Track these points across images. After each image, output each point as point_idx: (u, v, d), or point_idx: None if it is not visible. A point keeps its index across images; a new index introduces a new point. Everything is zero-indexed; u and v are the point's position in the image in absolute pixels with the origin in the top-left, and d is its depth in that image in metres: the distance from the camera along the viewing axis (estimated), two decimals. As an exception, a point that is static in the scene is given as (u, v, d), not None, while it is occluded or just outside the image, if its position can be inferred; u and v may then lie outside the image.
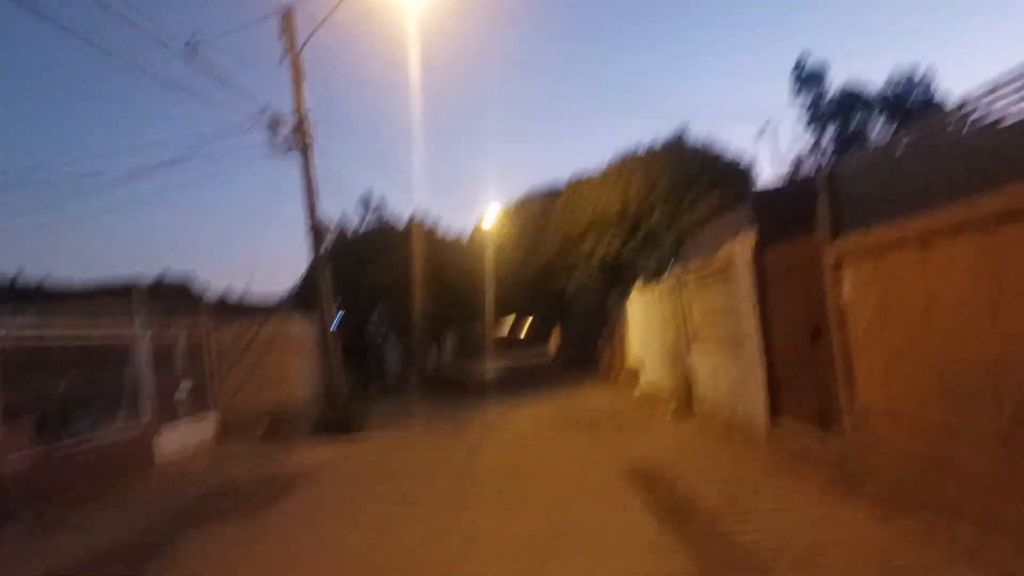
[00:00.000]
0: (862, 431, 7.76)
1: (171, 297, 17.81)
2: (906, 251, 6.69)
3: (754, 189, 10.94)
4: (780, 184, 11.74)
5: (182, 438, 15.45)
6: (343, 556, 6.92)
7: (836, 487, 7.59)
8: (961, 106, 6.18)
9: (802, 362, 9.57)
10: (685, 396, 15.28)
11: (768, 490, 7.85)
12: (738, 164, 22.23)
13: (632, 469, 9.84)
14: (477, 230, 34.42)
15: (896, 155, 7.07)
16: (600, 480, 9.34)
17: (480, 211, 36.88)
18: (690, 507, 7.53)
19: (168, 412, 15.16)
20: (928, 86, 39.28)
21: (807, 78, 43.39)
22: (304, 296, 29.89)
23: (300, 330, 23.32)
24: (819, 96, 41.23)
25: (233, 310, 27.36)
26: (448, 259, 30.57)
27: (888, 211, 7.07)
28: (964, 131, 6.18)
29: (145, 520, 9.23)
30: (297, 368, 21.88)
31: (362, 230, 29.90)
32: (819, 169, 8.33)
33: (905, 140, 6.98)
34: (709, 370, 13.86)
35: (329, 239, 29.83)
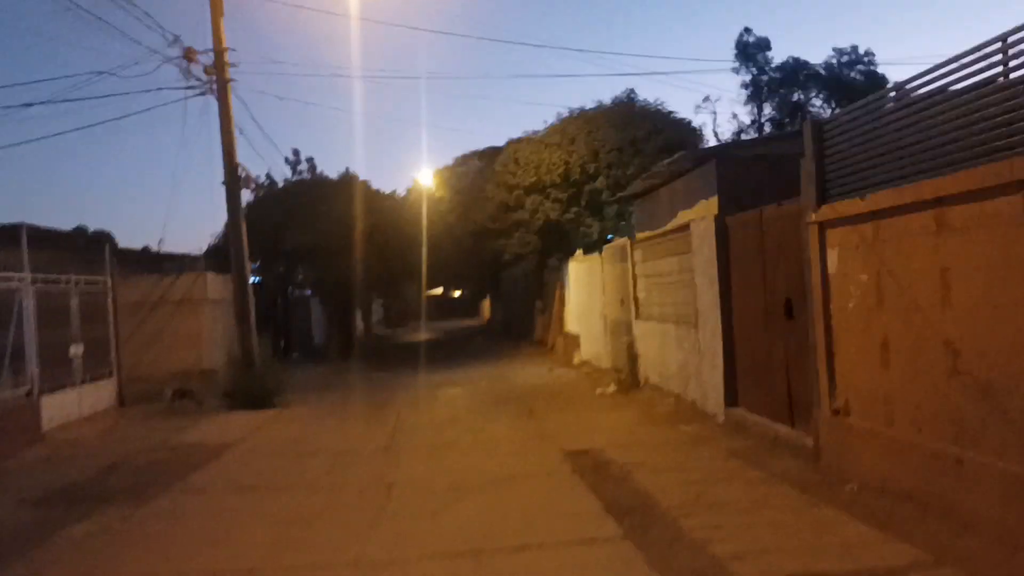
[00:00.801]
0: (841, 426, 6.82)
1: (68, 245, 15.99)
2: (916, 218, 5.70)
3: (718, 153, 9.85)
4: (746, 150, 10.74)
5: (75, 406, 13.87)
6: (232, 562, 5.69)
7: (810, 490, 6.64)
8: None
9: (770, 342, 8.62)
10: (629, 371, 14.33)
11: (736, 488, 6.87)
12: (691, 129, 21.27)
13: (576, 452, 8.80)
14: (412, 192, 32.85)
15: (900, 108, 6.06)
16: (543, 466, 8.26)
17: (416, 174, 35.34)
18: (650, 504, 6.51)
19: (60, 376, 13.56)
20: (869, 63, 39.07)
21: (749, 52, 42.80)
22: (223, 252, 28.11)
23: (216, 288, 21.69)
24: (760, 71, 40.76)
25: (144, 264, 25.51)
26: (381, 219, 29.00)
27: (889, 172, 6.08)
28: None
29: (11, 503, 7.82)
30: (211, 330, 20.28)
31: (290, 185, 28.12)
32: (808, 122, 7.28)
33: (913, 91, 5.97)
34: (656, 345, 12.91)
35: (251, 193, 28.11)
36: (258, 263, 28.45)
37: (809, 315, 7.37)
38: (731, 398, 9.75)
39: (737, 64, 39.59)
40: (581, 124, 21.51)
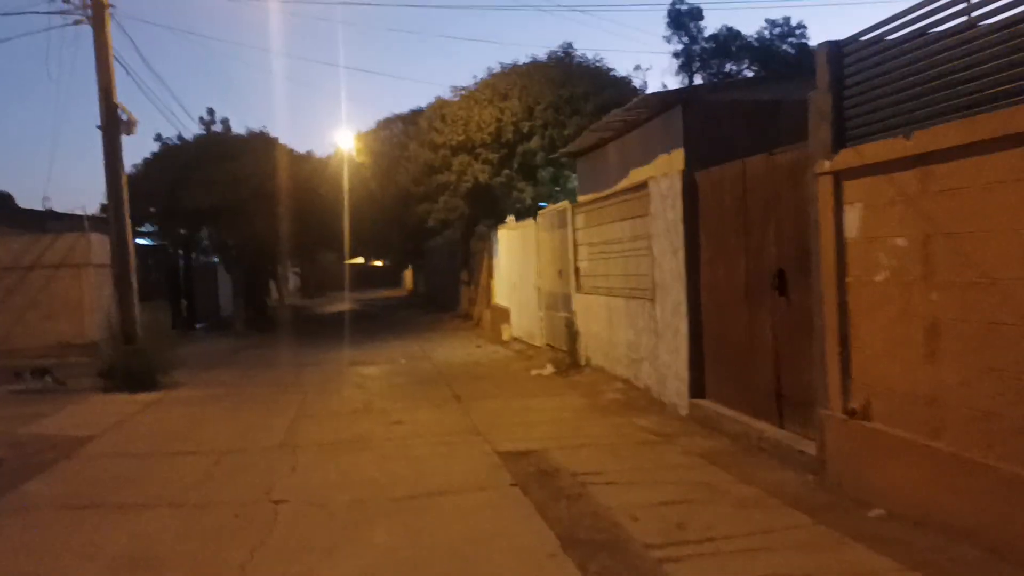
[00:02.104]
0: (859, 432, 5.35)
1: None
2: (999, 160, 4.19)
3: (685, 98, 8.25)
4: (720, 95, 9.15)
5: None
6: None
7: (823, 517, 5.15)
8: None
9: (752, 323, 7.11)
10: (568, 350, 12.78)
11: (727, 512, 5.33)
12: (633, 89, 19.69)
13: (515, 453, 7.17)
14: (333, 158, 30.44)
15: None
16: (474, 475, 6.61)
17: (337, 137, 32.83)
18: (620, 538, 4.92)
19: None
20: (801, 36, 38.22)
21: (681, 21, 41.46)
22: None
23: (104, 252, 19.28)
24: (692, 40, 39.55)
25: (22, 224, 22.77)
26: (298, 182, 26.67)
27: (949, 101, 4.56)
28: None
29: None
30: (96, 298, 17.96)
31: (193, 141, 25.55)
32: (823, 45, 5.70)
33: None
34: (601, 322, 11.36)
35: (158, 145, 25.44)
36: (157, 226, 25.95)
37: (814, 291, 5.86)
38: (697, 387, 8.26)
39: (669, 33, 38.41)
40: (515, 79, 19.71)
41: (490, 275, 20.90)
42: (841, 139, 5.54)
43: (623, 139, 10.56)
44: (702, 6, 38.50)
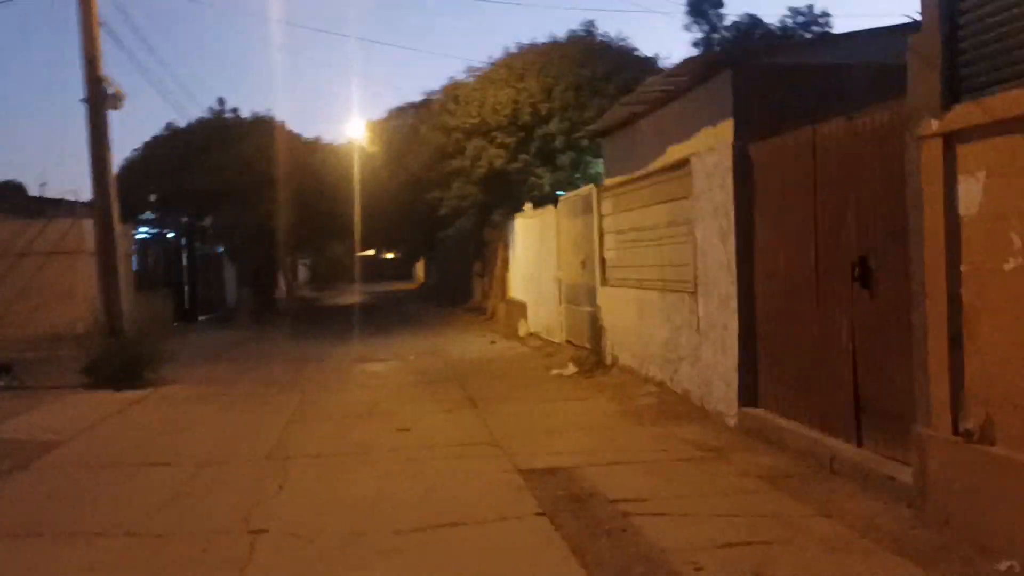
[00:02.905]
0: (975, 459, 4.25)
1: None
2: None
3: (735, 60, 7.13)
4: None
5: None
6: None
7: (938, 569, 4.07)
8: None
9: (823, 320, 6.00)
10: (592, 347, 11.69)
11: (817, 559, 4.25)
12: (657, 67, 18.52)
13: (540, 472, 6.10)
14: (344, 144, 29.35)
15: None
16: (493, 500, 5.53)
17: (349, 125, 31.69)
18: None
19: None
20: (825, 24, 36.90)
21: (701, 9, 40.15)
22: (119, 193, 24.41)
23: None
24: (713, 29, 38.28)
25: (20, 210, 21.83)
26: (306, 169, 25.70)
27: None
28: None
29: None
30: (89, 287, 16.94)
31: (196, 124, 24.55)
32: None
33: None
34: (631, 317, 10.27)
35: (166, 131, 24.40)
36: (159, 212, 24.99)
37: (912, 281, 4.75)
38: (748, 394, 7.15)
39: (689, 21, 37.20)
40: (532, 59, 18.63)
41: (505, 266, 19.83)
42: (954, 92, 4.42)
43: (659, 113, 9.45)
44: (724, -2, 37.34)
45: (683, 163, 8.39)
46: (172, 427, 8.75)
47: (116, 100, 11.72)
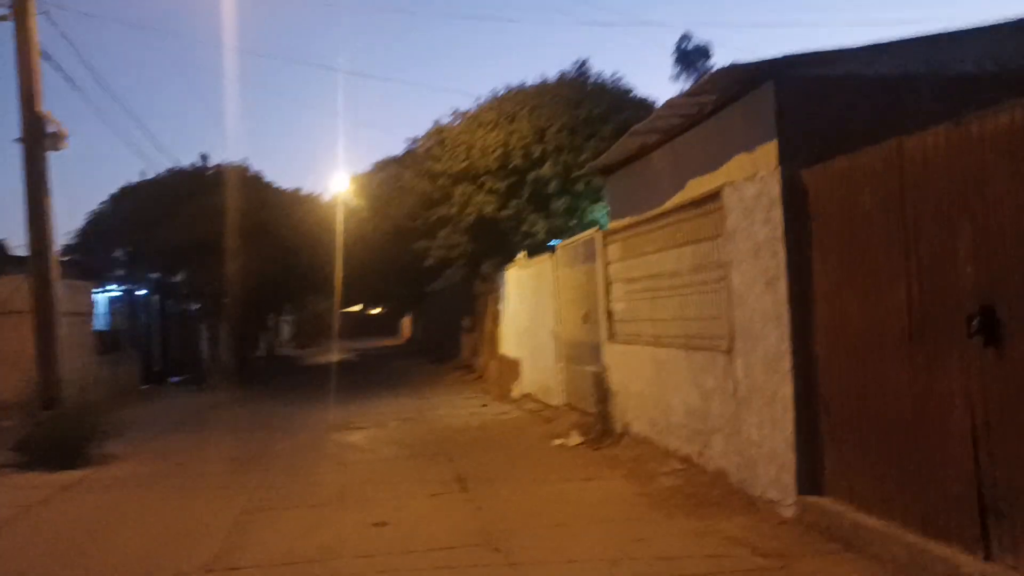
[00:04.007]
0: None
1: None
2: None
3: (777, 70, 5.81)
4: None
5: None
6: None
7: None
8: None
9: (926, 386, 4.60)
10: (598, 412, 10.22)
11: None
12: (655, 107, 17.36)
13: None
14: (327, 197, 28.03)
15: None
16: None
17: (331, 180, 30.38)
18: None
19: None
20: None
21: (689, 60, 39.55)
22: (86, 250, 23.02)
23: (63, 295, 16.97)
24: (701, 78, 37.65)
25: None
26: (287, 223, 24.38)
27: None
28: None
29: None
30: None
31: (165, 176, 23.22)
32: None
33: None
34: (646, 378, 8.84)
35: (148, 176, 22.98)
36: (126, 269, 23.50)
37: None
38: (809, 478, 5.71)
39: (677, 71, 36.62)
40: (523, 100, 17.41)
41: (496, 321, 18.40)
42: None
43: (676, 142, 8.16)
44: (709, 43, 36.64)
45: (711, 197, 7.07)
46: (98, 524, 7.20)
47: (56, 140, 10.37)
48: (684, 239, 7.76)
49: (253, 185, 24.07)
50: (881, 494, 5.01)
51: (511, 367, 16.14)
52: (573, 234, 13.39)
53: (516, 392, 15.02)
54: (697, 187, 7.57)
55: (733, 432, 6.73)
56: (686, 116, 7.64)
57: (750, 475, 6.44)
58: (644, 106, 17.76)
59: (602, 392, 10.19)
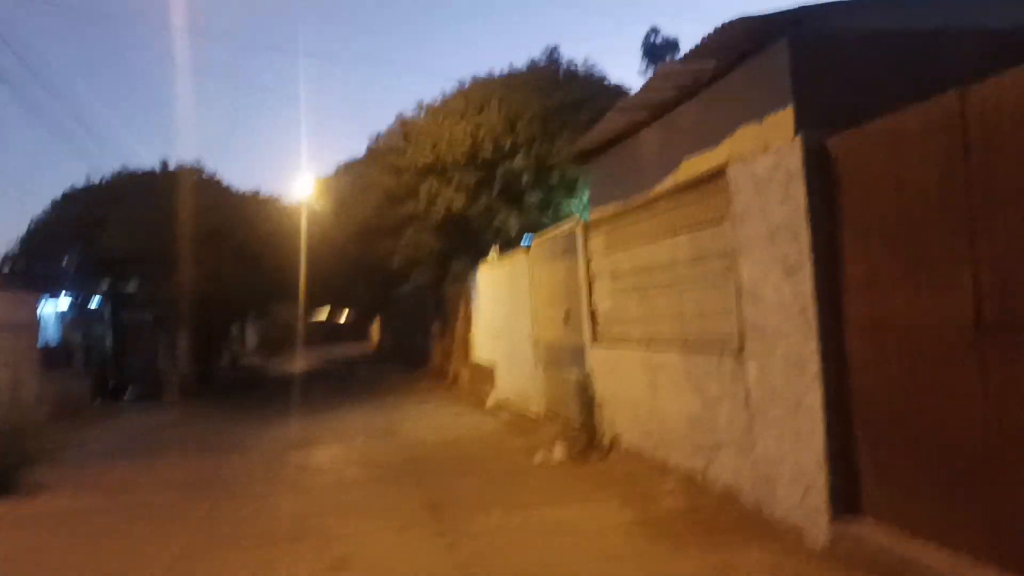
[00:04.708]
0: None
1: None
2: None
3: (791, 24, 4.89)
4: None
5: None
6: None
7: None
8: None
9: (994, 393, 3.72)
10: (583, 422, 9.29)
11: None
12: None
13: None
14: (291, 200, 26.81)
15: None
16: None
17: (296, 181, 28.99)
18: None
19: None
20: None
21: (657, 54, 38.98)
22: (27, 257, 21.68)
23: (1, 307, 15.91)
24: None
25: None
26: (246, 221, 23.16)
27: None
28: None
29: None
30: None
31: (112, 179, 21.96)
32: None
33: None
34: (638, 384, 7.92)
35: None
36: (74, 278, 22.20)
37: None
38: (845, 499, 4.82)
39: (645, 65, 35.99)
40: (492, 89, 16.50)
41: (468, 324, 17.44)
42: None
43: (669, 117, 7.27)
44: (678, 38, 35.90)
45: (712, 176, 6.16)
46: (7, 573, 6.15)
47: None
48: (680, 226, 6.86)
49: (209, 187, 22.87)
50: (942, 521, 4.13)
51: (485, 373, 15.19)
52: (546, 229, 12.48)
53: (491, 400, 14.06)
54: (695, 166, 6.68)
55: (745, 446, 5.83)
56: (681, 87, 6.75)
57: (768, 495, 5.54)
58: (620, 94, 16.89)
59: (587, 400, 9.27)
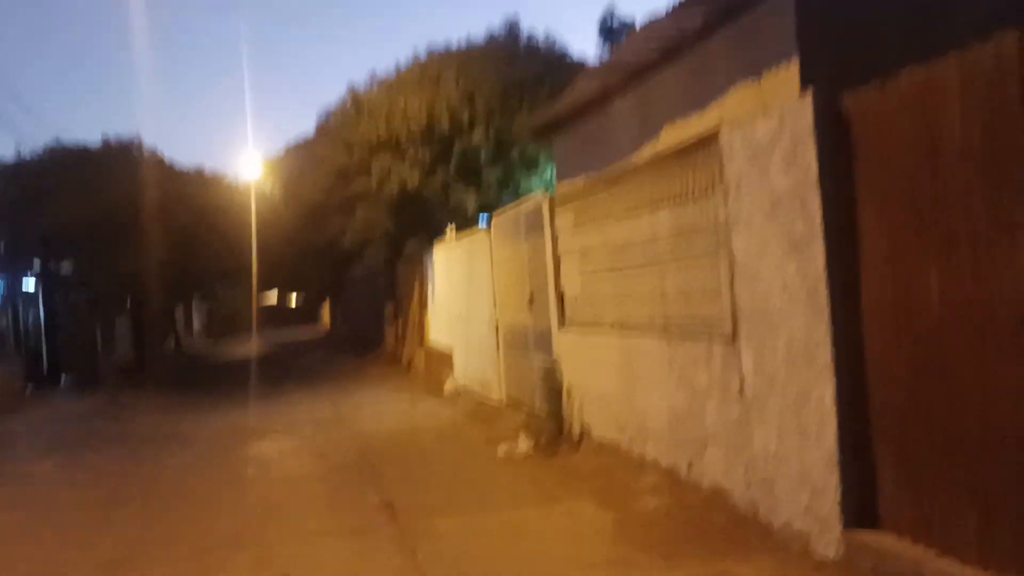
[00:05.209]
0: None
1: None
2: None
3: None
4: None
5: None
6: None
7: None
8: None
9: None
10: (550, 411, 8.68)
11: None
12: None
13: None
14: (238, 180, 25.64)
15: None
16: None
17: (243, 160, 27.74)
18: None
19: None
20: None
21: (613, 37, 38.51)
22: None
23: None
24: (624, 53, 36.47)
25: None
26: (188, 199, 22.06)
27: None
28: None
29: None
30: None
31: (45, 154, 20.71)
32: None
33: None
34: (611, 371, 7.33)
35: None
36: (3, 260, 20.95)
37: None
38: (858, 506, 4.27)
39: (601, 47, 35.50)
40: (449, 62, 15.74)
41: (423, 306, 16.72)
42: None
43: (647, 81, 6.63)
44: (634, 20, 35.42)
45: (700, 143, 5.54)
46: None
47: None
48: (660, 200, 6.23)
49: (149, 164, 21.72)
50: (980, 538, 3.58)
51: (442, 358, 14.50)
52: (502, 207, 11.78)
53: (449, 387, 13.38)
54: (678, 133, 6.07)
55: (738, 442, 5.26)
56: (664, 47, 6.11)
57: (766, 498, 4.98)
58: (582, 69, 16.24)
59: (554, 388, 8.65)
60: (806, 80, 4.56)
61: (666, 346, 6.24)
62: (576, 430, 8.17)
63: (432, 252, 15.15)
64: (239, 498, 7.37)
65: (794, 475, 4.66)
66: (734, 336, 5.24)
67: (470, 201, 14.66)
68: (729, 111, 5.32)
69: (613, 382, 7.29)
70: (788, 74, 4.70)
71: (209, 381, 21.36)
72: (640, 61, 6.48)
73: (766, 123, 4.73)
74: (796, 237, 4.52)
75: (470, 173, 14.82)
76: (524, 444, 8.35)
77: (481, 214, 14.63)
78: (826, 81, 4.43)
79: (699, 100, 5.76)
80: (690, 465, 5.94)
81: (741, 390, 5.20)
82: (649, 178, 6.42)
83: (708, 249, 5.57)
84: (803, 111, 4.40)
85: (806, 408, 4.52)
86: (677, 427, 6.11)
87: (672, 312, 6.19)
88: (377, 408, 12.53)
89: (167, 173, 22.68)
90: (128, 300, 24.21)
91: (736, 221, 5.12)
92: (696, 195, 5.69)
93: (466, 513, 6.13)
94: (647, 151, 6.56)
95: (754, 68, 5.08)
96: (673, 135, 6.15)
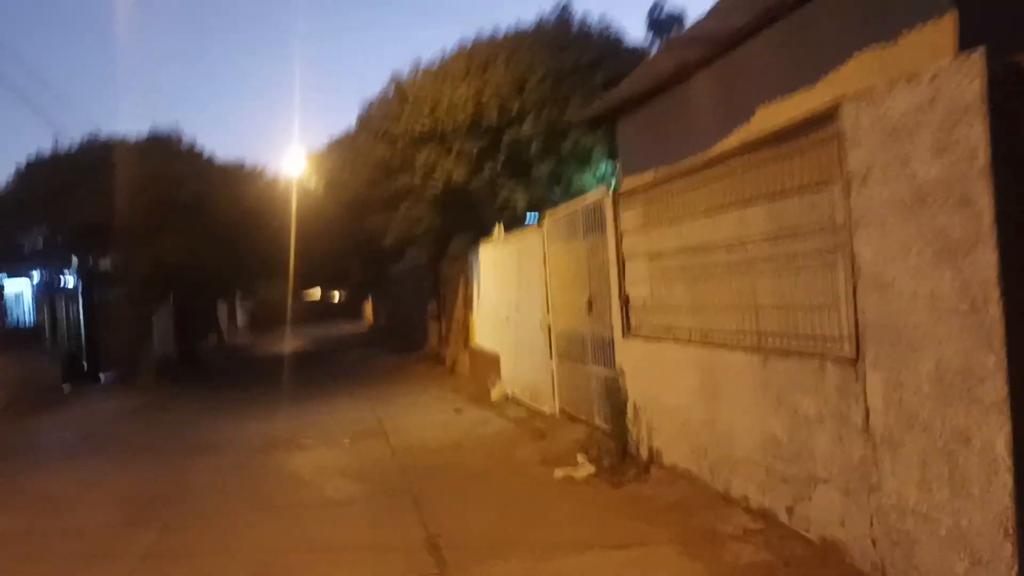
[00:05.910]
0: None
1: None
2: None
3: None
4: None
5: None
6: None
7: None
8: None
9: None
10: (613, 429, 7.78)
11: None
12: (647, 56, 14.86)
13: None
14: (281, 176, 25.05)
15: None
16: None
17: (287, 156, 27.13)
18: None
19: None
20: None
21: (661, 30, 37.11)
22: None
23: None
24: (674, 44, 35.26)
25: None
26: (229, 194, 21.51)
27: None
28: None
29: None
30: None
31: (83, 146, 20.27)
32: None
33: None
34: (687, 388, 6.40)
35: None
36: (43, 255, 20.61)
37: None
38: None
39: (650, 40, 34.37)
40: (498, 48, 14.86)
41: (468, 306, 15.90)
42: None
43: (735, 54, 5.68)
44: (684, 12, 34.22)
45: (813, 124, 4.60)
46: None
47: None
48: (754, 194, 5.29)
49: (188, 157, 21.23)
50: None
51: (488, 361, 13.66)
52: (556, 206, 10.84)
53: (496, 393, 12.53)
54: (776, 115, 5.12)
55: (862, 487, 4.32)
56: (757, 13, 5.16)
57: (901, 562, 4.03)
58: (640, 56, 15.26)
59: (616, 404, 7.75)
60: (966, 40, 3.60)
61: (759, 364, 5.30)
62: (644, 453, 7.26)
63: (478, 251, 14.30)
64: (265, 525, 6.58)
65: (948, 537, 3.71)
66: (856, 358, 4.30)
67: (519, 198, 13.78)
68: (846, 84, 4.37)
69: (689, 401, 6.37)
70: (939, 28, 3.75)
71: (248, 379, 20.84)
72: (728, 31, 5.54)
73: (909, 94, 3.77)
74: (952, 239, 3.56)
75: (519, 168, 13.94)
76: (584, 466, 7.47)
77: (530, 212, 13.80)
78: (989, 42, 3.48)
79: (804, 74, 4.81)
80: (791, 508, 5.01)
81: (866, 424, 4.25)
82: (738, 169, 5.48)
83: (819, 253, 4.62)
84: (967, 77, 3.44)
85: (965, 455, 3.57)
86: (774, 460, 5.18)
87: (767, 325, 5.25)
88: (419, 416, 11.72)
89: (207, 167, 22.18)
90: (170, 296, 23.76)
91: (862, 220, 4.17)
92: (802, 188, 4.75)
93: (525, 557, 5.25)
94: (734, 138, 5.62)
95: (882, 29, 4.12)
96: (769, 117, 5.21)
